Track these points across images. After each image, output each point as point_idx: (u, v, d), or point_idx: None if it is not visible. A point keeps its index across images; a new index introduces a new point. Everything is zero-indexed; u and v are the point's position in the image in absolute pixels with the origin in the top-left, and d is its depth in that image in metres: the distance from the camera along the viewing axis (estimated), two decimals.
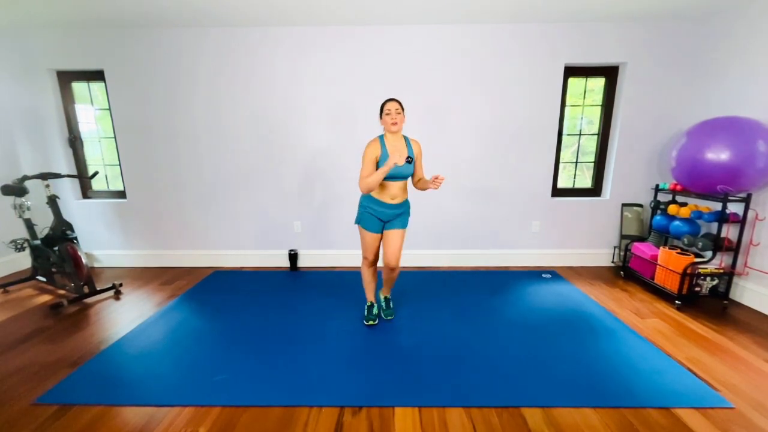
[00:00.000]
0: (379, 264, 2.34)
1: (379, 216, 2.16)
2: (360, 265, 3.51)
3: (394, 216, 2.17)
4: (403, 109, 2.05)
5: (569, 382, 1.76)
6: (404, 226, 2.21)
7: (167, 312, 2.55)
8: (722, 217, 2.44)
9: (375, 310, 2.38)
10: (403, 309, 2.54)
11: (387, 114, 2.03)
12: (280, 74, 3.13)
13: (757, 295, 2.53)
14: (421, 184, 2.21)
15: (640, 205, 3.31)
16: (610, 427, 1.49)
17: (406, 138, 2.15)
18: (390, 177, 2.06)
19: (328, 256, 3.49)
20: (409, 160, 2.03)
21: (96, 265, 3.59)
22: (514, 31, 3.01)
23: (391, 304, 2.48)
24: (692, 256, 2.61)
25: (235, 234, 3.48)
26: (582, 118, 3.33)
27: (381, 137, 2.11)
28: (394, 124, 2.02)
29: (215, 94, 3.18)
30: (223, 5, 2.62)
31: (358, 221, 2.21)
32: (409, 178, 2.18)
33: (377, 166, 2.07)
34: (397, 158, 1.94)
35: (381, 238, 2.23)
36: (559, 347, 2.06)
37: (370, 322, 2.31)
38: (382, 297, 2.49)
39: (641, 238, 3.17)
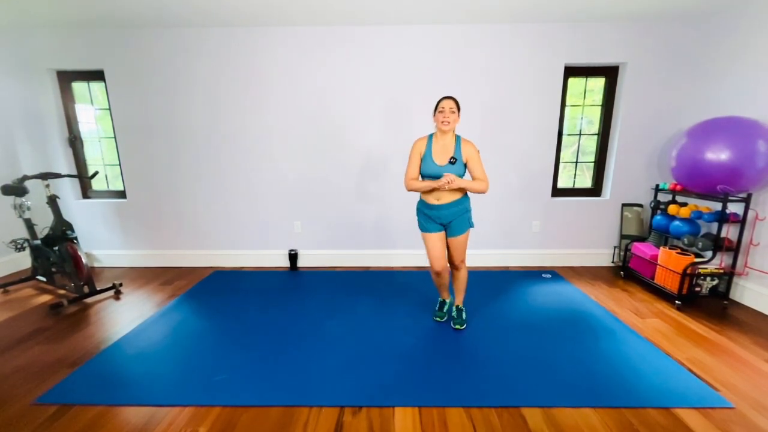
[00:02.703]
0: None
1: (431, 216, 2.10)
2: (360, 266, 3.50)
3: (447, 219, 2.08)
4: (459, 109, 1.99)
5: (569, 382, 1.76)
6: (462, 231, 2.10)
7: (167, 312, 2.55)
8: (722, 217, 2.44)
9: (446, 308, 2.40)
10: (402, 308, 2.54)
11: (440, 112, 1.97)
12: (280, 74, 3.12)
13: (757, 295, 2.53)
14: (473, 189, 2.05)
15: (640, 205, 3.31)
16: (610, 427, 1.49)
17: (458, 138, 2.06)
18: (432, 177, 2.01)
19: (328, 256, 3.49)
20: (453, 161, 1.98)
21: (96, 264, 3.59)
22: (514, 31, 3.01)
23: (464, 315, 2.33)
24: (692, 256, 2.60)
25: (235, 234, 3.48)
26: (582, 118, 3.33)
27: (431, 135, 2.08)
28: (445, 123, 1.96)
29: (215, 94, 3.18)
30: (223, 5, 2.62)
31: (419, 226, 2.19)
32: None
33: (422, 162, 2.05)
34: (440, 183, 1.91)
35: (444, 241, 2.15)
36: (559, 347, 2.06)
37: (437, 318, 2.35)
38: (454, 306, 2.38)
39: (641, 238, 3.17)
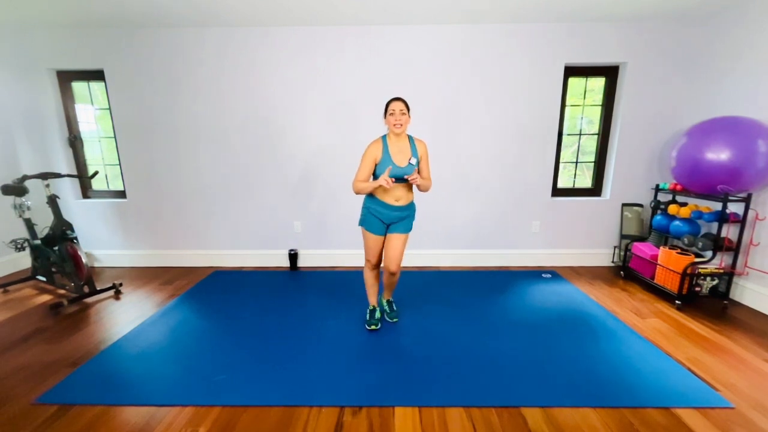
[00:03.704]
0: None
1: (382, 218, 2.11)
2: (361, 266, 3.50)
3: (398, 219, 2.12)
4: (408, 109, 1.99)
5: (569, 382, 1.76)
6: (407, 230, 2.15)
7: (167, 312, 2.55)
8: (722, 217, 2.44)
9: (377, 315, 2.35)
10: (402, 309, 2.54)
11: (391, 114, 1.96)
12: (280, 74, 3.13)
13: (757, 295, 2.53)
14: (422, 187, 2.11)
15: (640, 205, 3.31)
16: (610, 427, 1.49)
17: (410, 138, 2.07)
18: (397, 178, 2.00)
19: (328, 256, 3.49)
20: (413, 161, 2.00)
21: (96, 264, 3.59)
22: (515, 31, 3.01)
23: (395, 307, 2.45)
24: (692, 256, 2.61)
25: (235, 234, 3.48)
26: (582, 118, 3.33)
27: (384, 137, 2.06)
28: (397, 125, 1.96)
29: (215, 94, 3.18)
30: (223, 5, 2.62)
31: (361, 223, 2.18)
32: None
33: (376, 167, 2.03)
34: (384, 181, 1.89)
35: (384, 241, 2.18)
36: (559, 347, 2.06)
37: (372, 327, 2.26)
38: (384, 301, 2.43)
39: (641, 238, 3.17)
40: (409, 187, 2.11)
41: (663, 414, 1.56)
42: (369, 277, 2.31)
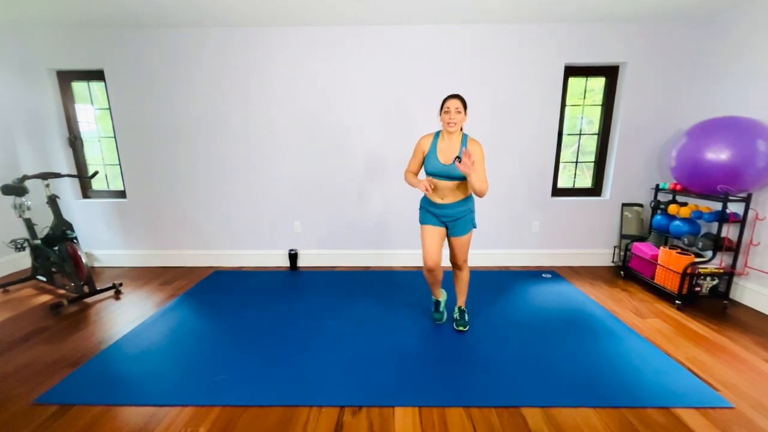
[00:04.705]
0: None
1: (435, 215, 2.09)
2: (361, 266, 3.49)
3: (451, 220, 2.08)
4: (465, 107, 1.93)
5: (569, 382, 1.76)
6: (464, 232, 2.09)
7: (167, 312, 2.55)
8: (722, 217, 2.44)
9: (441, 307, 2.36)
10: (402, 309, 2.54)
11: (446, 112, 1.92)
12: (280, 74, 3.12)
13: (757, 295, 2.53)
14: (476, 188, 1.92)
15: (640, 205, 3.31)
16: (610, 427, 1.49)
17: (465, 136, 2.01)
18: (438, 176, 1.98)
19: (328, 256, 3.49)
20: (458, 160, 1.91)
21: (96, 264, 3.59)
22: (515, 31, 3.01)
23: (467, 317, 2.29)
24: (692, 256, 2.60)
25: (235, 234, 3.48)
26: (582, 117, 3.33)
27: (437, 133, 2.04)
28: (451, 124, 1.92)
29: (215, 94, 3.18)
30: (223, 5, 2.62)
31: (419, 220, 2.18)
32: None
33: (424, 161, 2.05)
34: (422, 186, 1.91)
35: (441, 237, 2.11)
36: (559, 347, 2.06)
37: (437, 320, 2.31)
38: (456, 308, 2.33)
39: (641, 238, 3.17)
40: (456, 186, 2.01)
41: (663, 414, 1.56)
42: (428, 277, 2.24)
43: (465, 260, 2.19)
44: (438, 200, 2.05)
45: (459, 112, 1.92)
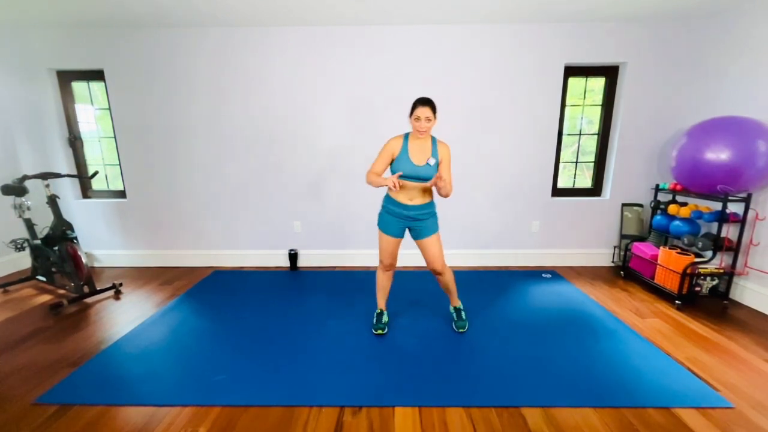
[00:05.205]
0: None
1: (398, 217, 2.06)
2: (361, 266, 3.47)
3: (416, 220, 2.06)
4: (435, 113, 1.92)
5: (569, 382, 1.76)
6: (434, 231, 2.09)
7: (167, 312, 2.55)
8: (722, 217, 2.44)
9: (384, 319, 2.27)
10: (402, 309, 2.54)
11: (416, 120, 1.91)
12: (280, 74, 3.12)
13: (757, 295, 2.53)
14: (443, 192, 1.98)
15: (640, 205, 3.31)
16: (610, 427, 1.49)
17: (434, 139, 2.03)
18: (408, 177, 1.97)
19: (328, 256, 3.49)
20: (431, 162, 1.95)
21: (96, 264, 3.59)
22: (515, 31, 3.01)
23: (464, 315, 2.30)
24: (692, 256, 2.60)
25: (235, 234, 3.48)
26: (582, 118, 3.33)
27: (407, 135, 2.03)
28: (422, 132, 1.92)
29: (215, 94, 3.18)
30: (223, 5, 2.62)
31: (378, 223, 2.14)
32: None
33: (393, 163, 2.01)
34: (391, 183, 1.85)
35: (399, 243, 2.13)
36: (559, 347, 2.06)
37: (379, 331, 2.19)
38: (451, 308, 2.34)
39: (641, 238, 3.17)
40: (425, 188, 2.03)
41: (663, 414, 1.56)
42: (380, 279, 2.25)
43: (443, 264, 2.14)
44: (407, 201, 2.03)
45: (429, 120, 1.91)
